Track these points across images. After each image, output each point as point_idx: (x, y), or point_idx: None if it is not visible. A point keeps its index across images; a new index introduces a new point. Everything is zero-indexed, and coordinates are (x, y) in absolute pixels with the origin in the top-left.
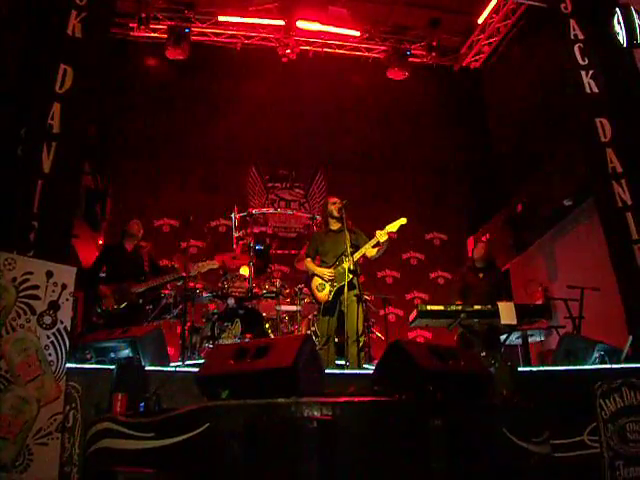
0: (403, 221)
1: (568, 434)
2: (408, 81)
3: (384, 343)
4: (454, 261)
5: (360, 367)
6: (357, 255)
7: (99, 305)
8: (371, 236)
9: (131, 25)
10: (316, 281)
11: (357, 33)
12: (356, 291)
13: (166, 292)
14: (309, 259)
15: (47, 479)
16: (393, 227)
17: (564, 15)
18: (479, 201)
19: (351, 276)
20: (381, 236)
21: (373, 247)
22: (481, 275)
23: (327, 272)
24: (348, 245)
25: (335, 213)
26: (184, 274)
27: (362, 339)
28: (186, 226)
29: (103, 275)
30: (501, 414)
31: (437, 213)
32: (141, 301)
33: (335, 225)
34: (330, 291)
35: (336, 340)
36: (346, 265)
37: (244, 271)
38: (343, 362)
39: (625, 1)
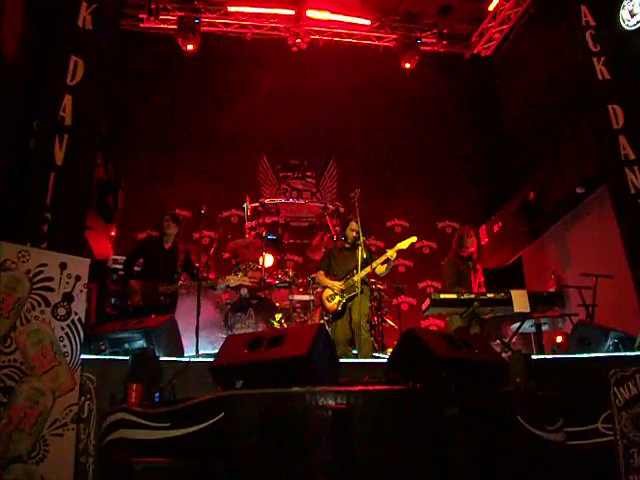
0: (413, 239)
1: (582, 422)
2: (419, 69)
3: (397, 332)
4: None
5: (372, 351)
6: (367, 270)
7: (127, 299)
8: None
9: (141, 16)
10: (327, 292)
11: (367, 22)
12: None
13: (180, 282)
14: (322, 272)
15: (63, 470)
16: (403, 245)
17: (575, 1)
18: (491, 189)
19: (363, 287)
20: (391, 253)
21: (382, 264)
22: (470, 264)
23: (337, 284)
24: (361, 252)
25: (349, 240)
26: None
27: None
28: (198, 217)
29: (138, 269)
30: (515, 402)
31: (449, 201)
32: (168, 301)
33: (348, 244)
34: (339, 301)
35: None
36: (357, 278)
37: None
38: (357, 352)
39: None
